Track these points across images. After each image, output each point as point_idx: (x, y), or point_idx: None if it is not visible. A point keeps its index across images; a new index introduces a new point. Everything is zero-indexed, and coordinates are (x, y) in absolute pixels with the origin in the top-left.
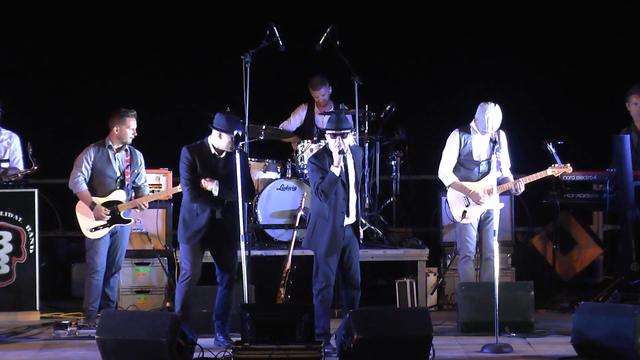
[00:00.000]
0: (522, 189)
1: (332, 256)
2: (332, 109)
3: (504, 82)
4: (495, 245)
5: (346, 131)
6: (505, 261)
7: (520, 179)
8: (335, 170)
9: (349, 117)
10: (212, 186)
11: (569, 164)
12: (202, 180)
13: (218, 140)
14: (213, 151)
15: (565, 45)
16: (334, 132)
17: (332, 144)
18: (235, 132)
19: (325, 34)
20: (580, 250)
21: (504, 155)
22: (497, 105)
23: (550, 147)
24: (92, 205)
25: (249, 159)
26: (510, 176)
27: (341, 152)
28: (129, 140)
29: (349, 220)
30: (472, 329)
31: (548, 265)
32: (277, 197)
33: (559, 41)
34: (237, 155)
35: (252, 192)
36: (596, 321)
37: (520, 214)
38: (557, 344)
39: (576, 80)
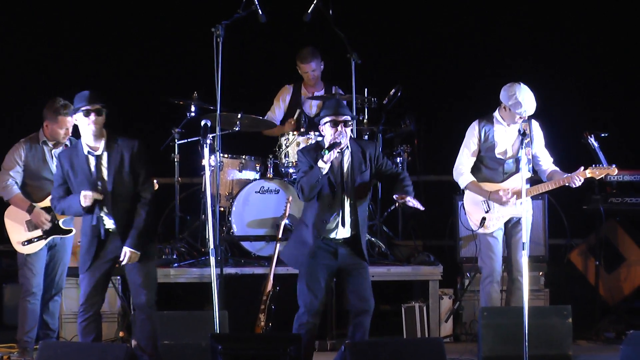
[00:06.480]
0: (579, 182)
1: (313, 273)
2: (322, 93)
3: (538, 61)
4: (525, 262)
5: (346, 117)
6: (536, 281)
7: (574, 174)
8: (323, 166)
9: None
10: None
11: (614, 165)
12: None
13: (83, 131)
14: (87, 150)
15: (611, 15)
16: (332, 118)
17: (329, 135)
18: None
19: (315, 1)
20: (629, 268)
21: (541, 148)
22: (523, 84)
23: (592, 140)
24: (31, 209)
25: (222, 155)
26: (557, 169)
27: (331, 146)
28: (63, 141)
29: (343, 232)
30: None
31: (590, 286)
32: (256, 202)
33: (602, 11)
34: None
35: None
36: None
37: (556, 223)
38: None
39: (623, 61)
